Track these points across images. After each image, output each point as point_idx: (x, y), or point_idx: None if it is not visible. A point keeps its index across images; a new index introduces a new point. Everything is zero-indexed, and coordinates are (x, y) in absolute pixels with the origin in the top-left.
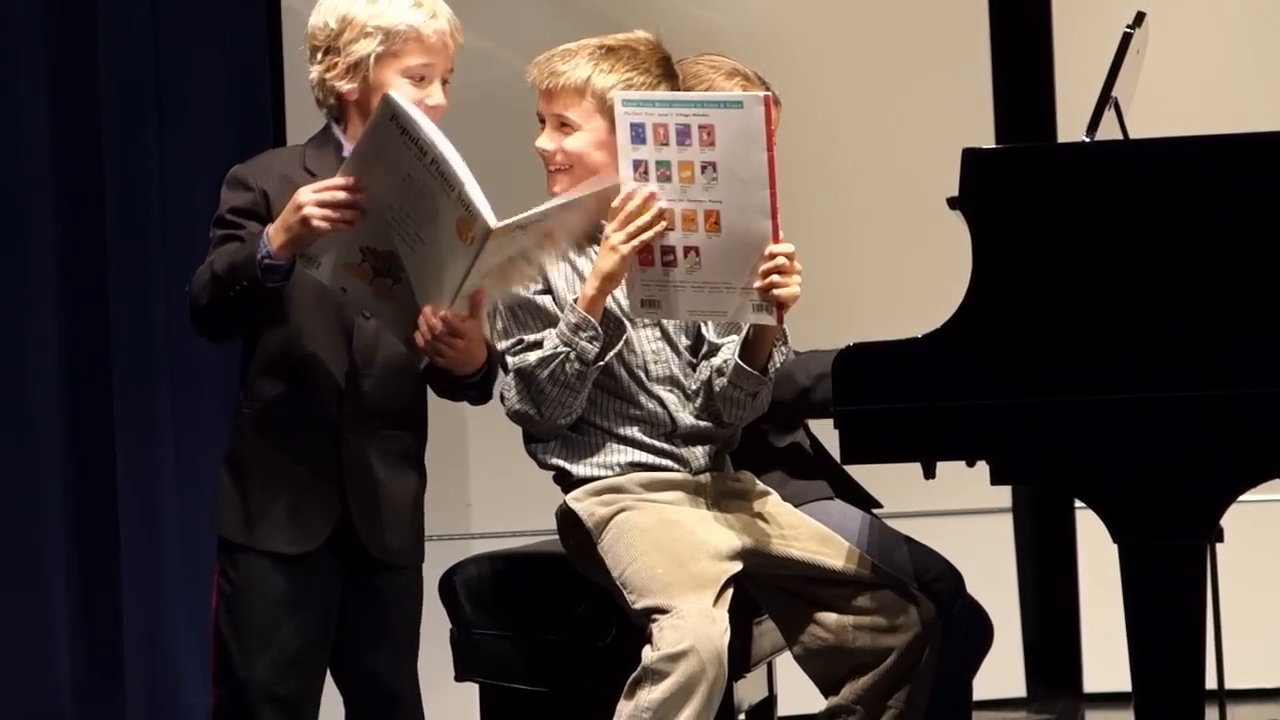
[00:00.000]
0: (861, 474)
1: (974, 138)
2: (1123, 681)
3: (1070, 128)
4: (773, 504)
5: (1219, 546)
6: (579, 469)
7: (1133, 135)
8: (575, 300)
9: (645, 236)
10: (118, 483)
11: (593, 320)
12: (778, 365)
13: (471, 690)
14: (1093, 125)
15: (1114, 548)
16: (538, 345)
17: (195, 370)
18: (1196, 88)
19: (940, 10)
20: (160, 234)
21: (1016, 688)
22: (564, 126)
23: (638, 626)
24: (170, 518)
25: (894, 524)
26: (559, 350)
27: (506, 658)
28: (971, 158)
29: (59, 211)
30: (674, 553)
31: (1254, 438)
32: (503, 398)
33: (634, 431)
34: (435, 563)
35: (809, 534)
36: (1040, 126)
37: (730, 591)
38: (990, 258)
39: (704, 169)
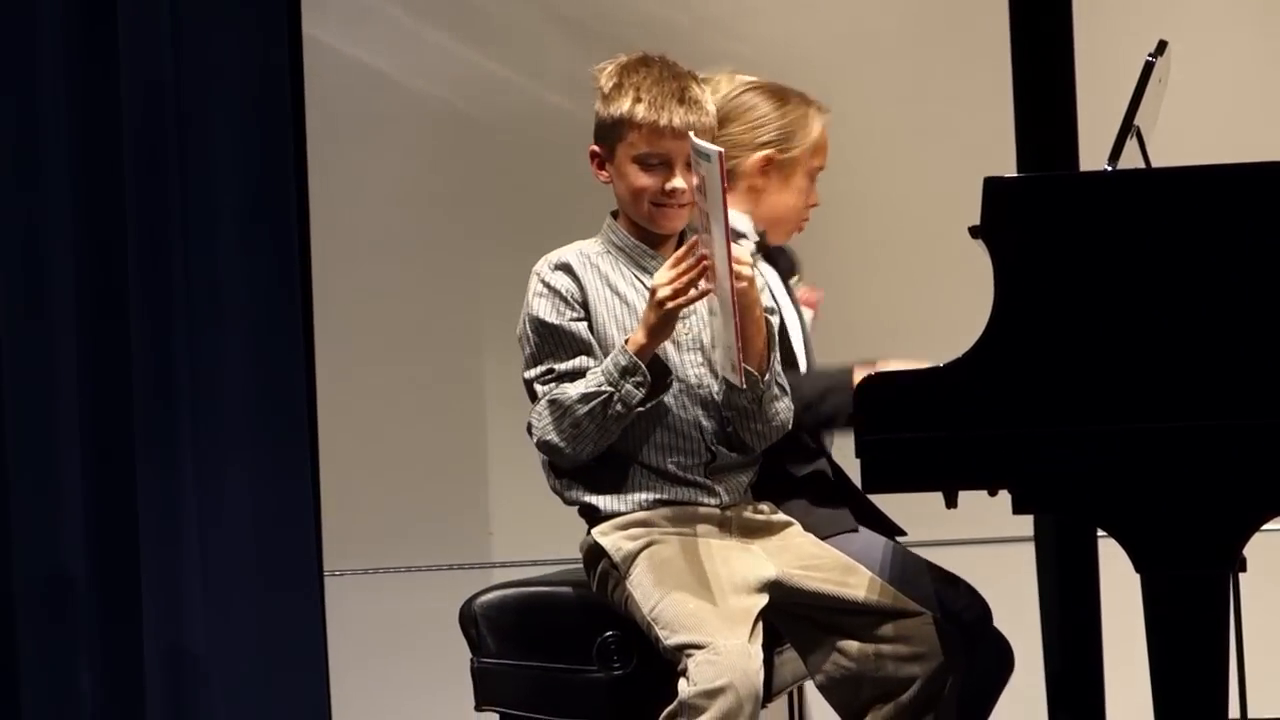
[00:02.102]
0: (883, 502)
1: (995, 167)
2: (1145, 711)
3: (1092, 157)
4: (795, 534)
5: (1242, 576)
6: (606, 504)
7: (1155, 164)
8: (626, 341)
9: (690, 296)
10: (139, 514)
11: (643, 366)
12: (776, 370)
13: None
14: (1115, 154)
15: (1136, 577)
16: (571, 376)
17: (217, 402)
18: (1219, 117)
19: (962, 39)
20: (184, 267)
21: (1038, 717)
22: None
23: (660, 656)
24: (191, 546)
25: (916, 553)
26: (603, 390)
27: (527, 687)
28: (993, 187)
29: (80, 245)
30: (704, 588)
31: (1276, 467)
32: (530, 426)
33: (668, 463)
34: (455, 592)
35: (832, 565)
36: (1062, 155)
37: (760, 625)
38: (1012, 287)
39: (705, 218)
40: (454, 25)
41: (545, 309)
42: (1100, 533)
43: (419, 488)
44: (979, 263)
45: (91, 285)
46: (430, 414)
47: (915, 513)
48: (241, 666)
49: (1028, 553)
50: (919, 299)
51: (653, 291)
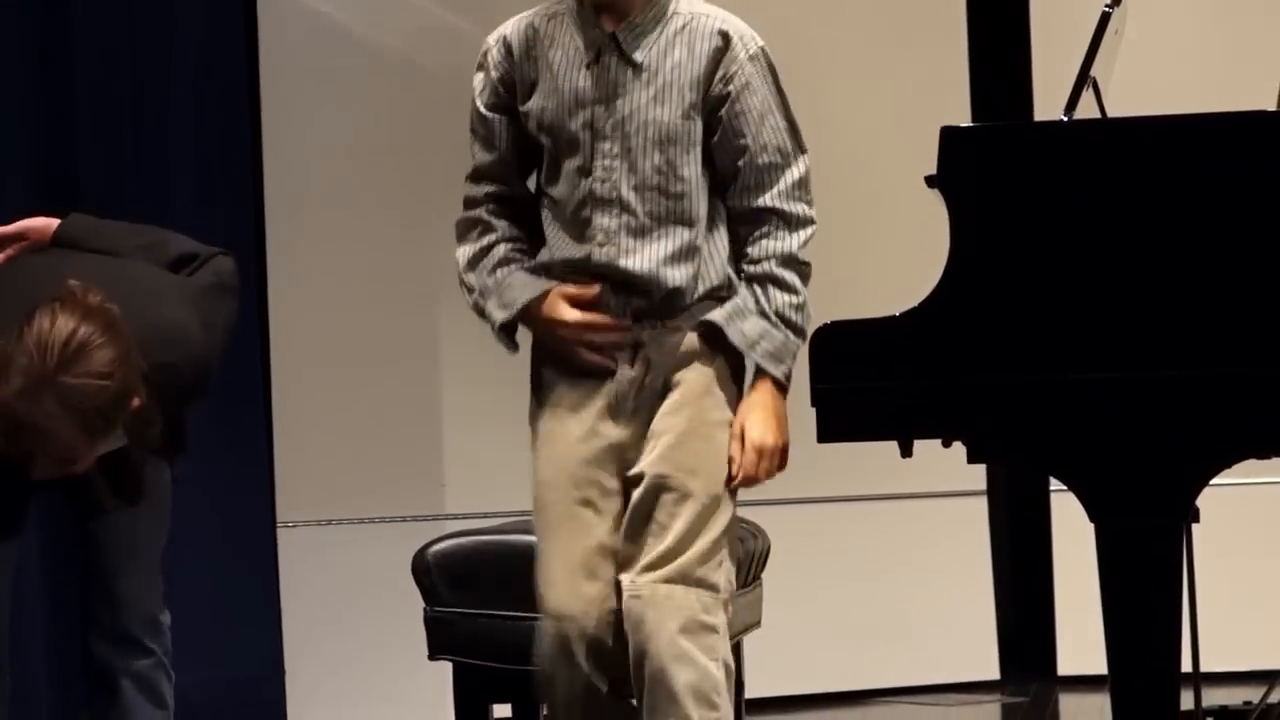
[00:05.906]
0: (839, 454)
1: (951, 117)
2: (1097, 664)
3: (1047, 107)
4: None
5: (1196, 530)
6: None
7: (1110, 115)
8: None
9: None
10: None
11: (509, 331)
12: None
13: (445, 669)
14: (1071, 104)
15: (1089, 530)
16: (474, 175)
17: None
18: (1174, 67)
19: None
20: (137, 219)
21: (990, 670)
22: None
23: None
24: None
25: (869, 506)
26: (473, 298)
27: (480, 636)
28: (950, 136)
29: (31, 195)
30: None
31: (1228, 416)
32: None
33: None
34: (408, 544)
35: None
36: (1017, 106)
37: None
38: (967, 236)
39: None
40: None
41: (476, 86)
42: (1053, 486)
43: (372, 440)
44: (935, 212)
45: None
46: (384, 366)
47: (868, 467)
48: (195, 617)
49: (981, 506)
50: (874, 248)
51: (563, 322)
